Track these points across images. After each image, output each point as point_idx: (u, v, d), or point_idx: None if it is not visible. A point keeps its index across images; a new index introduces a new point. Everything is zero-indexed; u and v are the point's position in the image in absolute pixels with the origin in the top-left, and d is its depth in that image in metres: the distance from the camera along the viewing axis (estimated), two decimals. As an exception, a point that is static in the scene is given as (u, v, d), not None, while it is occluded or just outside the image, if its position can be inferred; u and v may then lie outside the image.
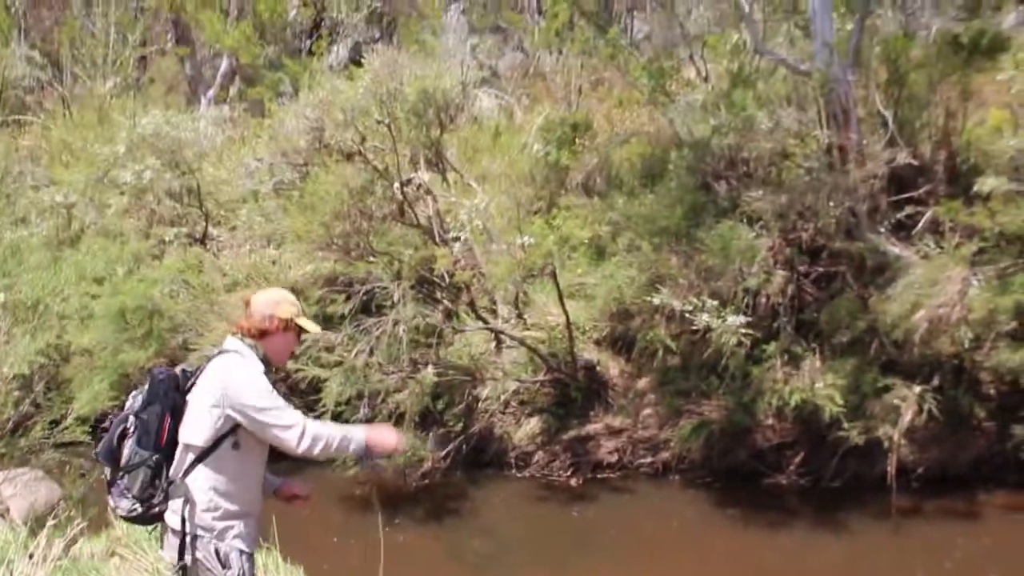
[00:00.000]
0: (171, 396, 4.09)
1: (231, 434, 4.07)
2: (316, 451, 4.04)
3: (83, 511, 7.16)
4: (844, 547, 8.15)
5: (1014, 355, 8.73)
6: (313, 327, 4.40)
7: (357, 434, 4.16)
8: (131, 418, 4.08)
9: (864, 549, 8.08)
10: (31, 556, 5.68)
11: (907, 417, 8.88)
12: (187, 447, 4.07)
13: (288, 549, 6.76)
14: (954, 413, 9.14)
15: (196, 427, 4.06)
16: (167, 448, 4.07)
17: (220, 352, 4.23)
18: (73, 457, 8.86)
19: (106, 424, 4.32)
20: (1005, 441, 9.01)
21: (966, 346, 8.82)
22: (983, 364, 9.02)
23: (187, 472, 4.05)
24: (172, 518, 4.05)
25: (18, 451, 8.48)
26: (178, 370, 4.22)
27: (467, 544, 8.64)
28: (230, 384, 4.05)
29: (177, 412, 4.09)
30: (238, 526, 4.10)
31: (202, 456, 4.05)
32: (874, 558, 7.89)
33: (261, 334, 4.24)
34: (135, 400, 4.14)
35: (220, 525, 4.05)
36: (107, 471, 4.16)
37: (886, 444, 8.74)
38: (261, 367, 4.16)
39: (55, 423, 11.82)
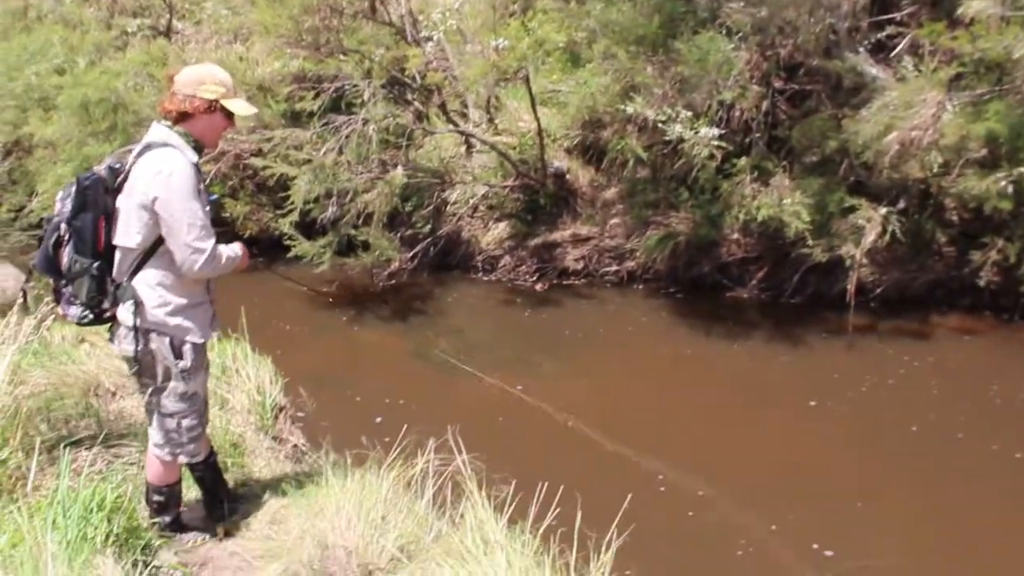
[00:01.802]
0: (102, 200, 3.90)
1: None
2: (204, 274, 3.99)
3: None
4: (798, 359, 8.38)
5: (980, 182, 8.78)
6: (245, 109, 4.12)
7: (236, 251, 4.13)
8: (63, 225, 3.92)
9: (817, 362, 8.32)
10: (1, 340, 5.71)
11: (870, 238, 8.98)
12: (126, 250, 3.95)
13: (255, 341, 6.86)
14: (917, 237, 9.27)
15: (130, 230, 3.92)
16: (106, 252, 3.95)
17: (147, 146, 3.97)
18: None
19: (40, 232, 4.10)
20: (963, 266, 9.18)
21: (934, 171, 8.84)
22: (949, 190, 9.07)
23: (132, 273, 3.97)
24: (124, 316, 3.99)
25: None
26: (103, 169, 3.95)
27: (433, 343, 8.80)
28: (159, 189, 3.84)
29: (110, 216, 3.93)
30: (191, 317, 4.06)
31: (144, 257, 3.96)
32: (825, 370, 8.13)
33: (182, 116, 3.98)
34: (64, 205, 3.94)
35: (172, 321, 4.01)
36: (51, 279, 4.06)
37: (847, 263, 8.87)
38: (194, 158, 3.97)
39: (20, 210, 11.81)
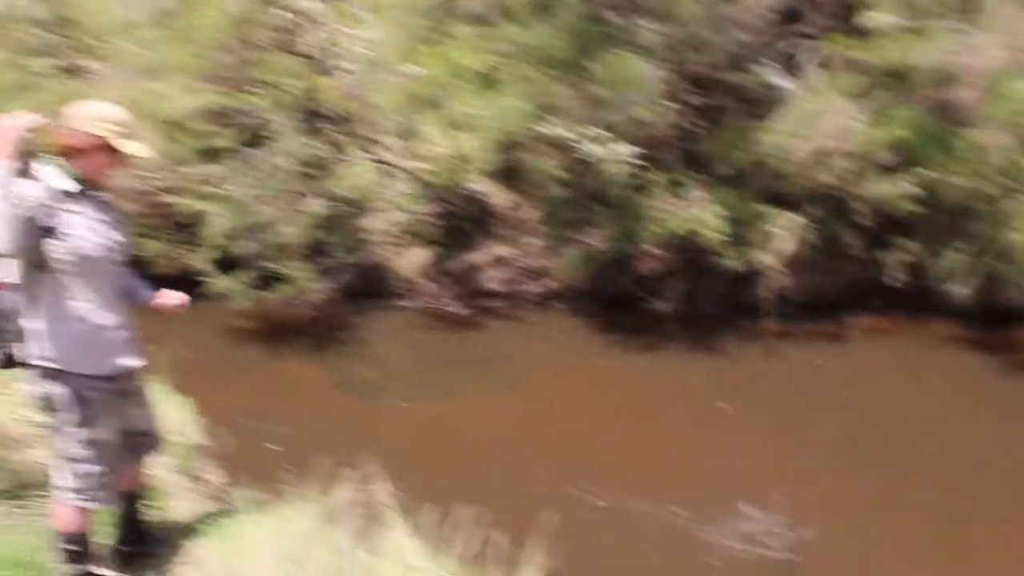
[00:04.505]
0: None
1: (42, 265, 3.77)
2: None
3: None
4: (717, 366, 8.53)
5: (888, 187, 9.03)
6: (139, 150, 3.89)
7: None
8: None
9: (736, 368, 8.49)
10: None
11: (785, 245, 9.18)
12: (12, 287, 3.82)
13: (174, 380, 6.72)
14: (829, 242, 9.49)
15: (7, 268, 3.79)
16: None
17: None
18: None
19: None
20: (873, 268, 9.41)
21: (845, 178, 9.08)
22: (859, 195, 9.30)
23: (26, 312, 3.85)
24: (24, 354, 3.87)
25: None
26: None
27: (356, 374, 8.74)
28: None
29: None
30: (92, 354, 3.91)
31: (29, 293, 3.82)
32: (743, 376, 8.29)
33: (68, 151, 3.80)
34: None
35: (75, 358, 3.87)
36: None
37: (763, 271, 9.04)
38: (61, 185, 3.76)
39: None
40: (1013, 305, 9.09)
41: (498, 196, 10.57)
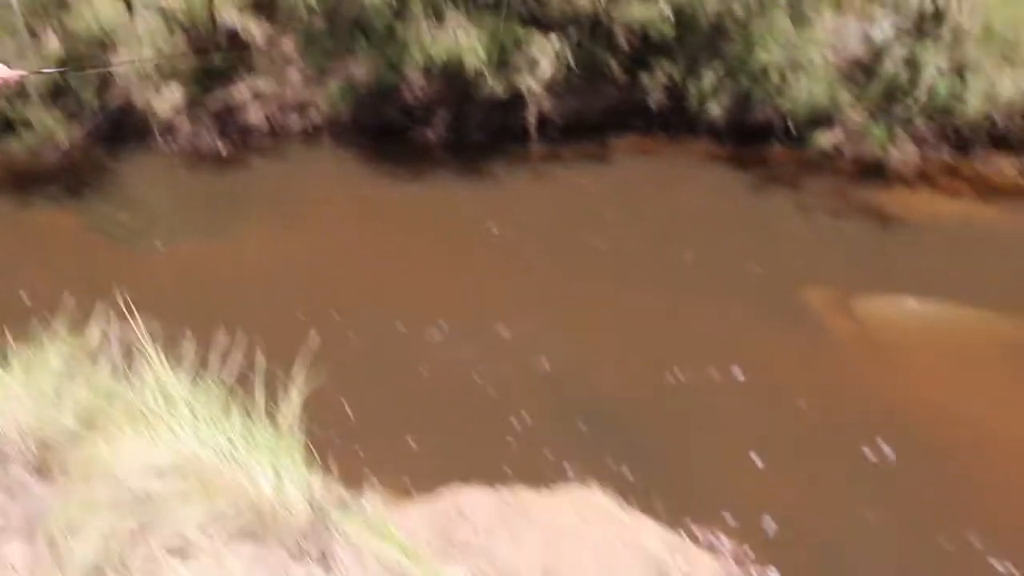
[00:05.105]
0: None
1: None
2: None
3: None
4: (486, 191, 8.62)
5: (645, 10, 9.17)
6: None
7: None
8: None
9: (504, 192, 8.61)
10: None
11: (547, 69, 9.23)
12: None
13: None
14: (590, 65, 9.59)
15: None
16: None
17: None
18: None
19: None
20: (634, 90, 9.63)
21: (603, 2, 9.14)
22: (618, 18, 9.39)
23: None
24: None
25: None
26: None
27: (114, 219, 8.33)
28: None
29: None
30: None
31: None
32: (512, 199, 8.42)
33: None
34: None
35: None
36: None
37: (527, 96, 9.09)
38: None
39: None
40: (763, 123, 9.53)
41: (254, 29, 10.07)
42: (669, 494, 4.88)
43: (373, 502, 4.34)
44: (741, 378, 5.97)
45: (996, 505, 5.08)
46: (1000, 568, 4.65)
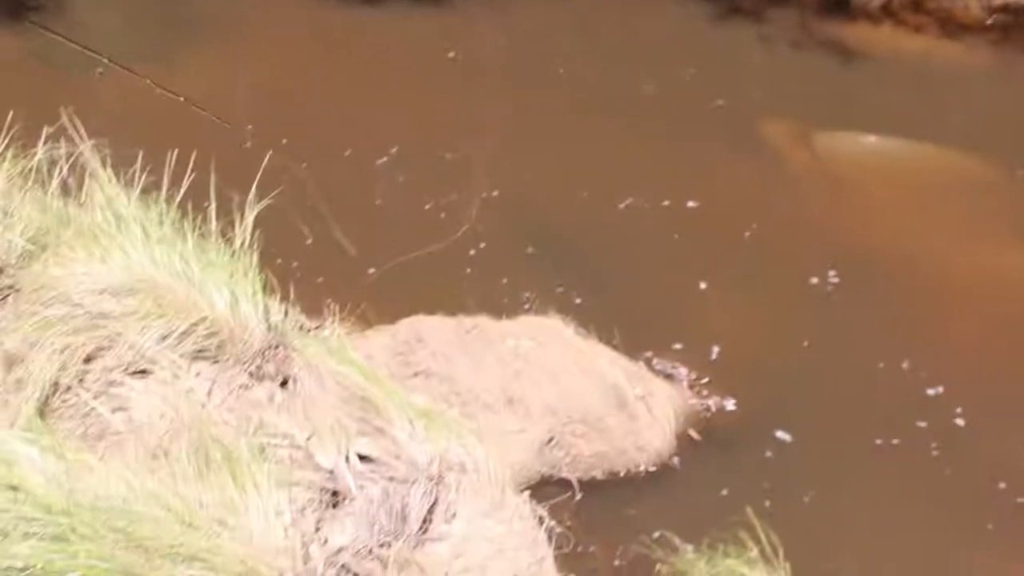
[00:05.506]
0: None
1: None
2: None
3: None
4: (443, 17, 8.27)
5: None
6: None
7: None
8: None
9: (463, 21, 8.29)
10: None
11: None
12: None
13: None
14: None
15: None
16: None
17: None
18: None
19: None
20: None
21: None
22: None
23: None
24: None
25: None
26: None
27: (55, 43, 7.98)
28: None
29: None
30: None
31: None
32: (470, 28, 8.17)
33: None
34: None
35: None
36: None
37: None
38: None
39: None
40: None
41: None
42: (623, 323, 4.93)
43: (333, 329, 4.37)
44: (695, 207, 6.00)
45: (938, 336, 5.25)
46: (931, 392, 4.88)
